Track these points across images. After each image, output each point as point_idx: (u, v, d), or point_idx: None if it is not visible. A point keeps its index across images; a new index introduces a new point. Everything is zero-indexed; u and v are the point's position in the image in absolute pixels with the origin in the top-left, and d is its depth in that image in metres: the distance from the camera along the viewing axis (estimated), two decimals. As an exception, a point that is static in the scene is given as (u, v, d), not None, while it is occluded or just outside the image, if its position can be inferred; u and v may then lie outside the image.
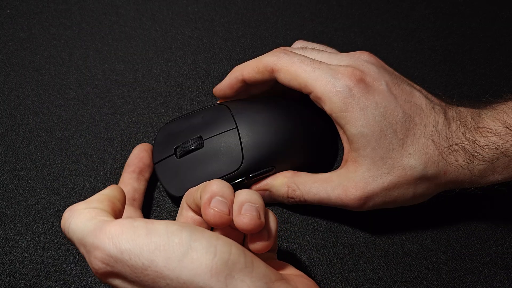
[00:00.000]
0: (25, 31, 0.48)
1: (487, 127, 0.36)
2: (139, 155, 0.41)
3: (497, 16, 0.49)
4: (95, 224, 0.28)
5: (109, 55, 0.47)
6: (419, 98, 0.37)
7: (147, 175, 0.41)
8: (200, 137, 0.39)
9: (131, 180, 0.40)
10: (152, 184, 0.42)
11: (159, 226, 0.27)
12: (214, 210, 0.30)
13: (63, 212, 0.40)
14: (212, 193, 0.31)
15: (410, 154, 0.36)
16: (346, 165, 0.38)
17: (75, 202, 0.40)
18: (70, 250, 0.39)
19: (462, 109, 0.38)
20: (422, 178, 0.36)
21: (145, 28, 0.48)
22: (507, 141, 0.35)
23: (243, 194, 0.31)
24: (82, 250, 0.28)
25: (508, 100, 0.37)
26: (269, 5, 0.50)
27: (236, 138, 0.39)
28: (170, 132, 0.41)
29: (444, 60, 0.47)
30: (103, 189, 0.41)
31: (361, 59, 0.39)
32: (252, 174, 0.39)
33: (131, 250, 0.26)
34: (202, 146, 0.39)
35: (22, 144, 0.43)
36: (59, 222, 0.40)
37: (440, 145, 0.36)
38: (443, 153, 0.36)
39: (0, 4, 0.49)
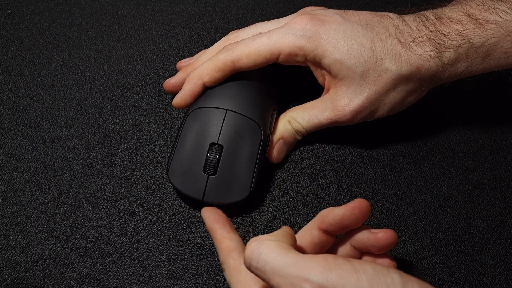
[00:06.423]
0: (26, 31, 0.48)
1: (450, 17, 0.38)
2: (214, 211, 0.37)
3: None
4: (294, 258, 0.28)
5: (109, 55, 0.47)
6: (371, 14, 0.40)
7: (233, 226, 0.37)
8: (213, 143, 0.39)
9: (230, 233, 0.35)
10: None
11: (366, 266, 0.27)
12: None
13: (63, 212, 0.41)
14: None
15: (381, 59, 0.38)
16: (328, 92, 0.40)
17: (76, 202, 0.41)
18: (70, 250, 0.40)
19: (421, 12, 0.40)
20: (399, 79, 0.38)
21: (145, 29, 0.48)
22: (467, 29, 0.37)
23: None
24: (277, 280, 0.27)
25: None
26: (269, 5, 0.50)
27: (232, 115, 0.40)
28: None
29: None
30: (103, 188, 0.41)
31: (305, 11, 0.41)
32: (269, 129, 0.41)
33: (345, 285, 0.26)
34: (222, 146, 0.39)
35: (23, 144, 0.43)
36: (60, 222, 0.40)
37: (406, 42, 0.38)
38: (411, 48, 0.38)
39: (1, 4, 0.49)
